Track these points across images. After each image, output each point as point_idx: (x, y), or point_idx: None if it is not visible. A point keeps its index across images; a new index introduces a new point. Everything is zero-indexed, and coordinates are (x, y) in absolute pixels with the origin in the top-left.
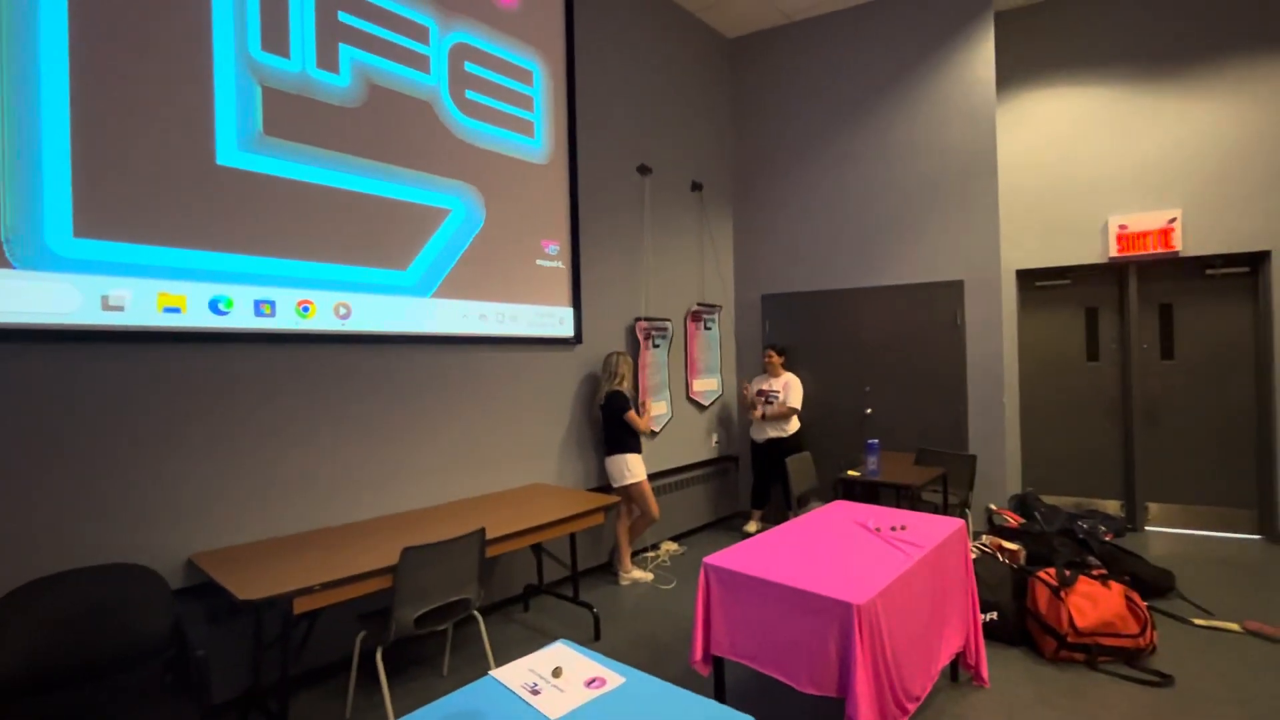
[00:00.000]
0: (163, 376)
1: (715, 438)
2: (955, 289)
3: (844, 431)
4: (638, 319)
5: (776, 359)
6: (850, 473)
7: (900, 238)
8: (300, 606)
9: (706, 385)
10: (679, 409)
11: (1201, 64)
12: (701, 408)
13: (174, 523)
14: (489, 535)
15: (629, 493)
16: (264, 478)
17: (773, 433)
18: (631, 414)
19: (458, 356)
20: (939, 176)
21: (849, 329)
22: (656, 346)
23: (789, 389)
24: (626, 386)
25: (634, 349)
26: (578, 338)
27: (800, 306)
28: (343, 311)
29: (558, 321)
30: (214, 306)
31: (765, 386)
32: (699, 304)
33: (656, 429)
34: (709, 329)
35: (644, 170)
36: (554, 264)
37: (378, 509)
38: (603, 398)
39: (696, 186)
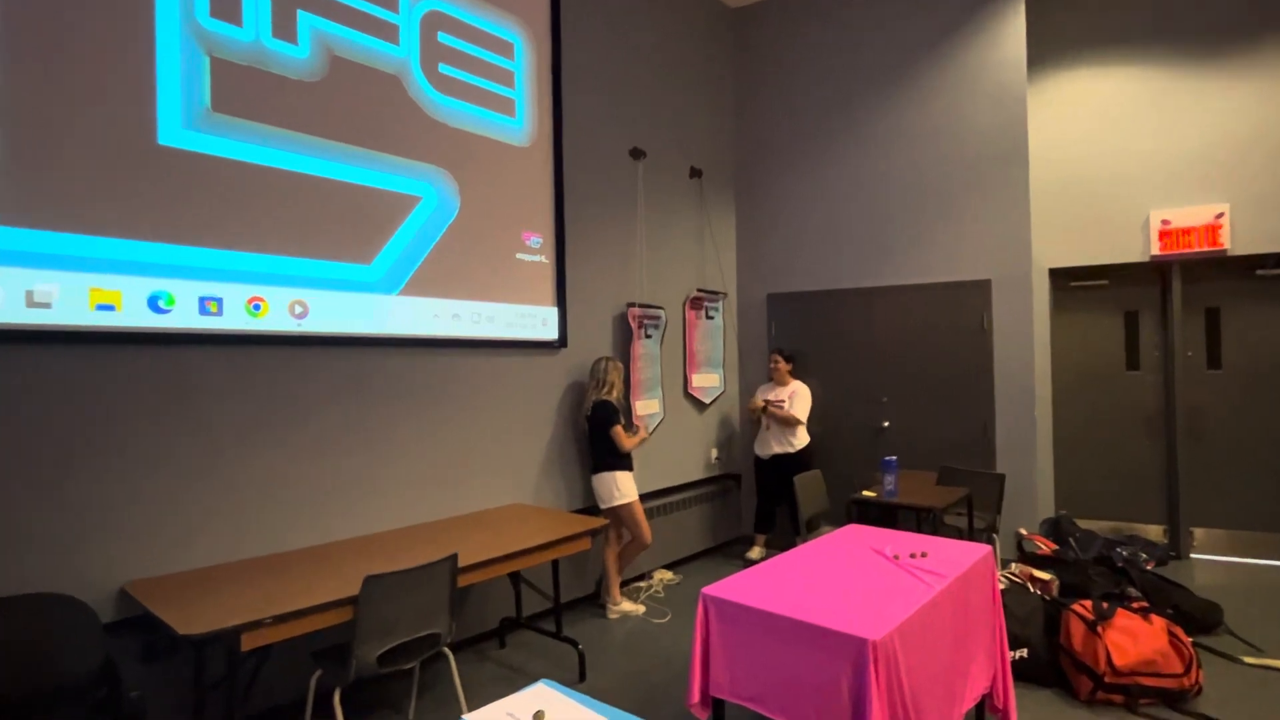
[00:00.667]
0: (94, 383)
1: (715, 454)
2: (982, 289)
3: (858, 447)
4: (630, 304)
5: (783, 365)
6: (865, 493)
7: (921, 232)
8: (249, 643)
9: (707, 380)
10: (675, 407)
11: (1252, 43)
12: (701, 406)
13: (106, 548)
14: (462, 562)
15: (618, 515)
16: (209, 497)
17: (779, 448)
18: (619, 430)
19: (428, 361)
20: (964, 165)
21: (863, 333)
22: (649, 337)
23: (796, 398)
24: (616, 396)
25: (626, 338)
26: (562, 341)
27: (810, 307)
28: (299, 310)
29: (540, 323)
30: (153, 304)
31: (771, 396)
32: (700, 290)
33: (649, 432)
34: (711, 318)
35: (637, 154)
36: (536, 258)
37: (337, 532)
38: (589, 408)
39: (696, 173)
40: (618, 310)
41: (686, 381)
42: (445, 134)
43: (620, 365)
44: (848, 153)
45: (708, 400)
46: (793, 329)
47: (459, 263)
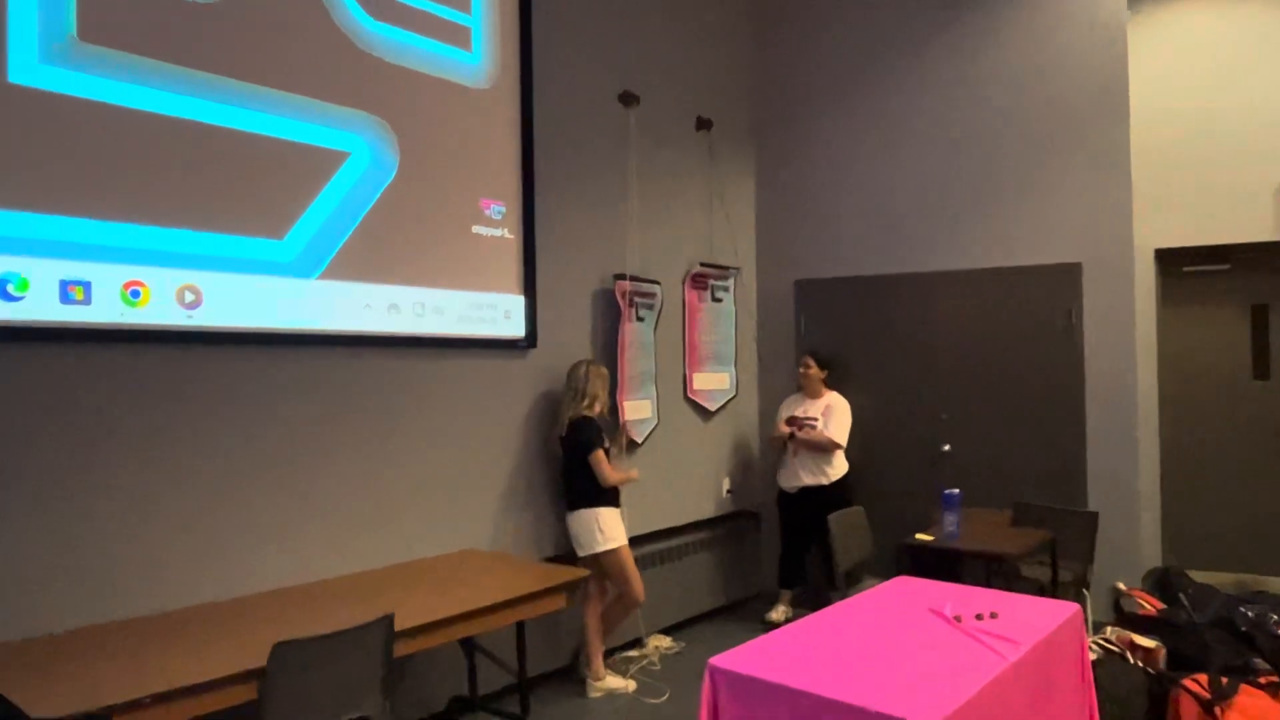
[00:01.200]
0: None
1: (727, 485)
2: (1068, 275)
3: (910, 477)
4: (619, 277)
5: (817, 372)
6: (920, 536)
7: (990, 204)
8: None
9: (713, 381)
10: (673, 414)
11: None
12: (705, 413)
13: None
14: (400, 624)
15: (601, 564)
16: (75, 541)
17: (809, 479)
18: (600, 457)
19: (357, 366)
20: (1048, 119)
21: (918, 331)
22: (641, 320)
23: (832, 414)
24: (600, 411)
25: (611, 321)
26: (530, 339)
27: (849, 298)
28: (189, 298)
29: (502, 315)
30: (1, 288)
31: (800, 412)
32: (704, 264)
33: (640, 440)
34: (719, 300)
35: (628, 100)
36: (498, 233)
37: (240, 586)
38: (565, 427)
39: (704, 124)
40: (602, 283)
41: (687, 382)
42: (380, 72)
43: (605, 372)
44: (899, 103)
45: (713, 406)
46: (827, 325)
47: (397, 238)
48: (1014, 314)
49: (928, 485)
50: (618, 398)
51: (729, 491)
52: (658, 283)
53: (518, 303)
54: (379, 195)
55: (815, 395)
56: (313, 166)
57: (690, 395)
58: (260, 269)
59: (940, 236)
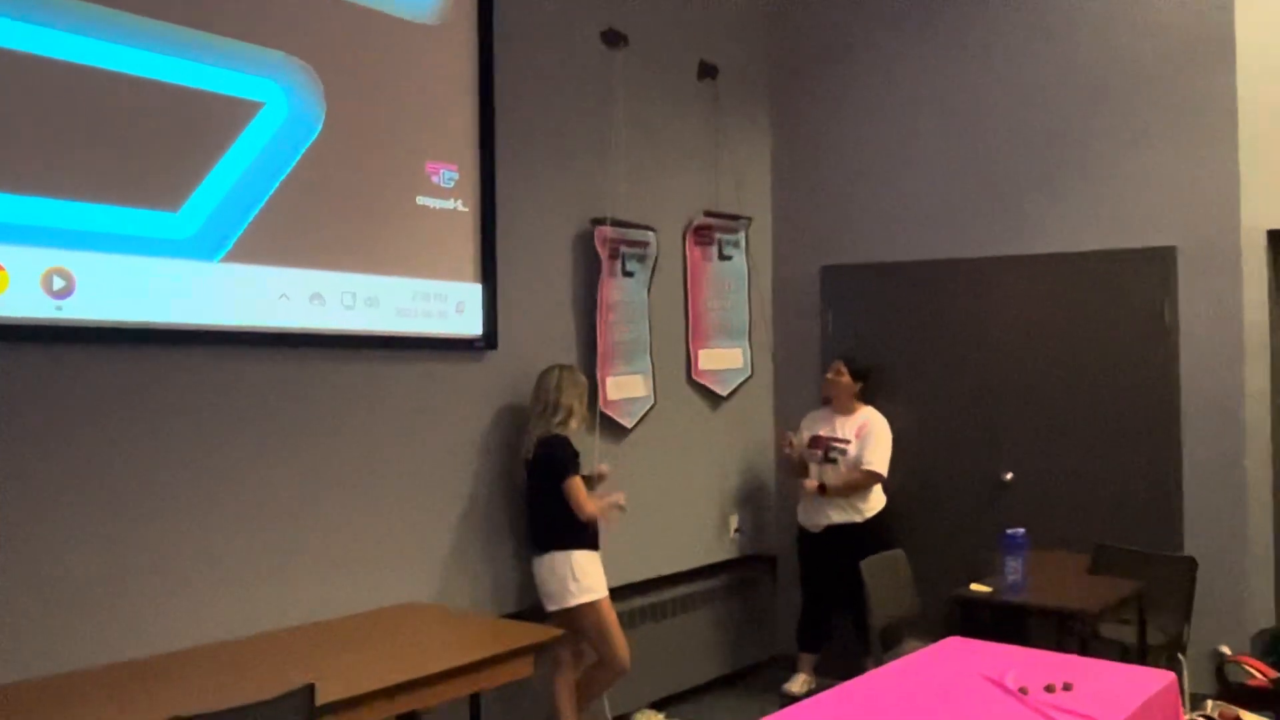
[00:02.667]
0: None
1: (735, 524)
2: (1160, 262)
3: (963, 513)
4: (597, 222)
5: (848, 382)
6: (975, 587)
7: (1063, 176)
8: None
9: (724, 361)
10: (673, 400)
11: None
12: (714, 399)
13: None
14: (325, 696)
15: (577, 621)
16: None
17: (838, 515)
18: (576, 485)
19: (267, 371)
20: (1134, 73)
21: (972, 332)
22: (628, 274)
23: (868, 437)
24: (576, 427)
25: (588, 275)
26: (489, 338)
27: (887, 289)
28: (58, 284)
29: (453, 308)
30: None
31: (826, 433)
32: (708, 213)
33: (629, 425)
34: (728, 258)
35: (614, 39)
36: (449, 204)
37: (127, 647)
38: (531, 448)
39: (708, 71)
40: (578, 227)
41: (691, 361)
42: (303, 2)
43: (583, 380)
44: (951, 55)
45: (724, 391)
46: (861, 323)
47: (322, 211)
48: (1091, 310)
49: (985, 523)
50: (597, 374)
51: (737, 531)
52: (651, 229)
53: (473, 292)
54: (299, 157)
55: (846, 411)
56: (215, 120)
57: (695, 377)
58: (148, 249)
59: (1000, 215)
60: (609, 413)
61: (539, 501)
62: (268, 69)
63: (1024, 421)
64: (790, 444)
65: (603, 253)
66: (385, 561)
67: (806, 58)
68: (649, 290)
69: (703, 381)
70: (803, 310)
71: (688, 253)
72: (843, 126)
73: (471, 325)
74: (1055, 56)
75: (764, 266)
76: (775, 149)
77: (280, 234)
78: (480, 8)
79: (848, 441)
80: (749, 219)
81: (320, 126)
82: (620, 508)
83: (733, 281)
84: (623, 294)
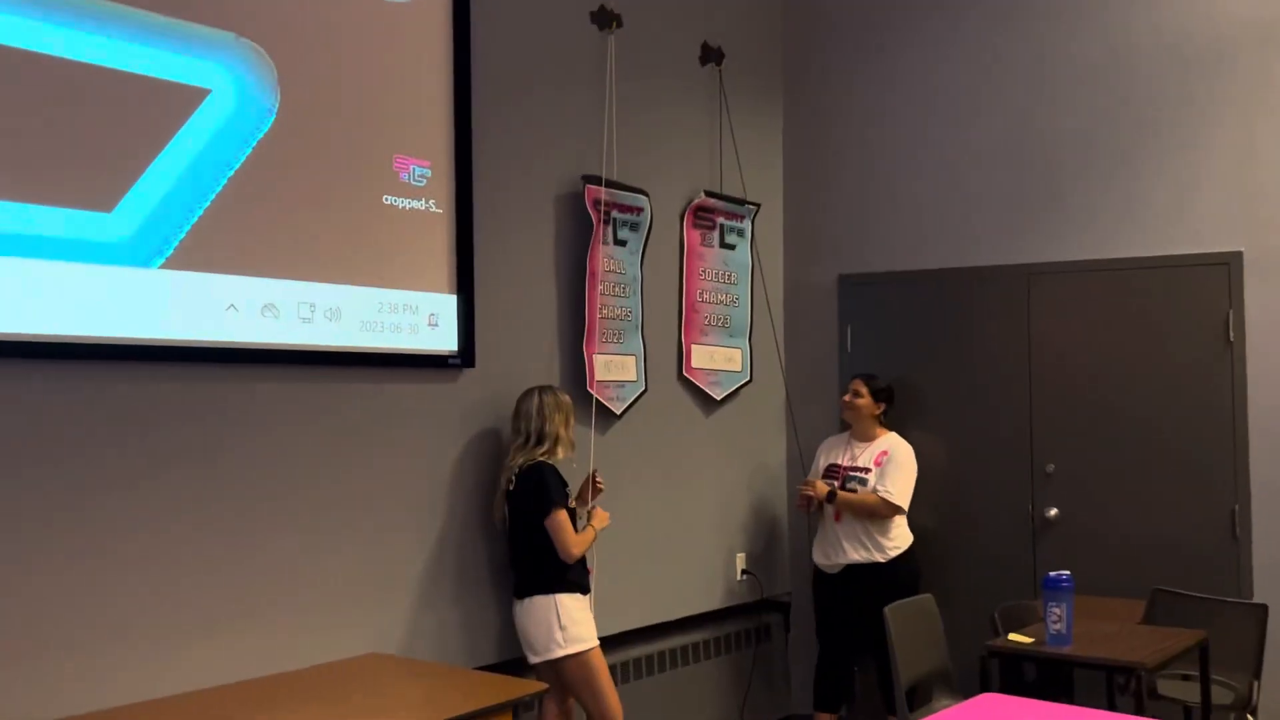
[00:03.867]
0: None
1: (742, 566)
2: (1223, 270)
3: (1001, 553)
4: (590, 180)
5: (869, 404)
6: (1015, 638)
7: (1111, 173)
8: None
9: (719, 360)
10: (662, 396)
11: None
12: (707, 403)
13: None
14: None
15: (563, 674)
16: None
17: (857, 554)
18: (561, 520)
19: (214, 392)
20: (1189, 58)
21: (1009, 348)
22: (620, 243)
23: (890, 464)
24: (563, 456)
25: (578, 238)
26: (466, 354)
27: (912, 300)
28: None
29: (425, 321)
30: None
31: (845, 461)
32: (708, 193)
33: (618, 412)
34: (730, 246)
35: (605, 19)
36: (420, 204)
37: (42, 706)
38: (512, 478)
39: (711, 55)
40: (568, 186)
41: (682, 357)
42: None
43: (567, 402)
44: (991, 37)
45: (718, 394)
46: (884, 338)
47: (275, 212)
48: (1145, 324)
49: (1024, 565)
50: (585, 349)
51: (745, 573)
52: (645, 193)
53: (448, 304)
54: (250, 150)
55: (866, 437)
56: (154, 109)
57: (686, 374)
58: (76, 253)
59: (1042, 217)
60: (595, 394)
61: (521, 538)
62: (214, 51)
63: (1069, 449)
64: (812, 492)
65: (594, 215)
66: (345, 607)
67: (824, 40)
68: (642, 262)
69: (694, 380)
70: (818, 324)
71: (685, 235)
72: (865, 118)
73: (445, 340)
74: (1104, 40)
75: (774, 274)
76: (787, 143)
77: (228, 237)
78: None
79: (867, 470)
80: (756, 205)
81: (274, 116)
82: (597, 486)
83: (735, 273)
84: (614, 263)
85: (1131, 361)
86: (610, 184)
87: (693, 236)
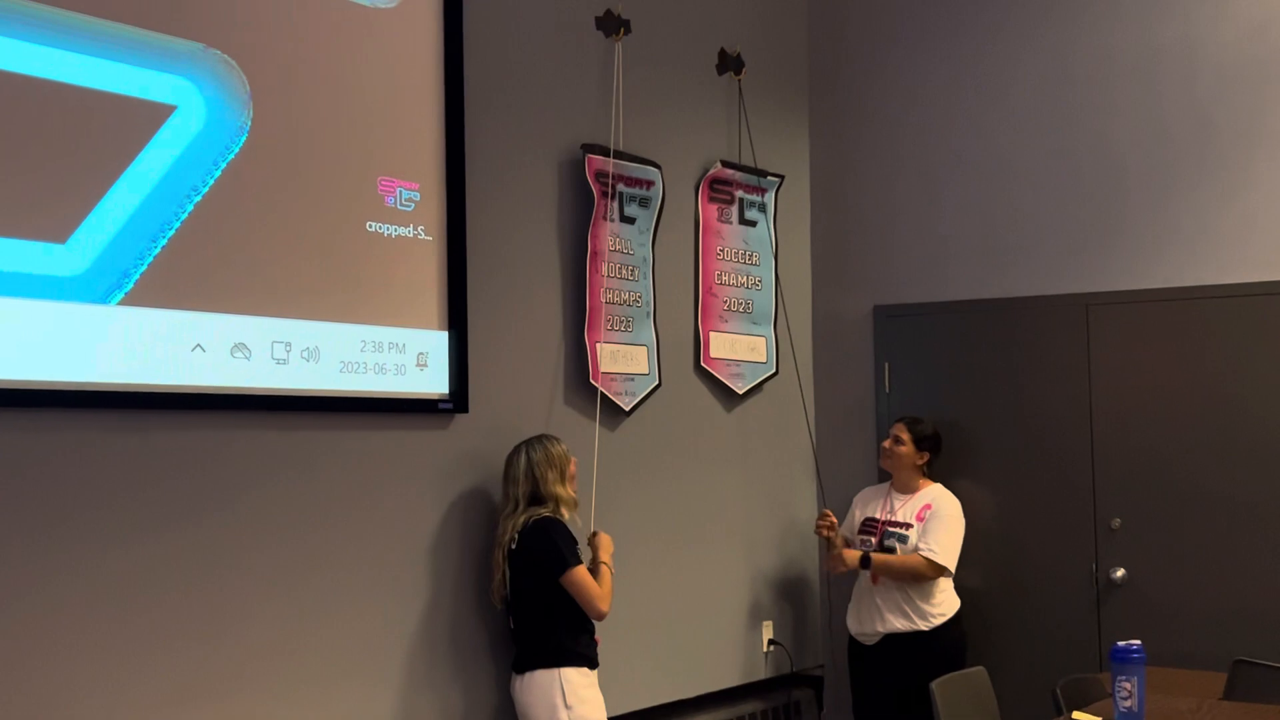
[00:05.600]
0: None
1: (769, 633)
2: None
3: (1061, 620)
4: (590, 149)
5: (911, 452)
6: (1079, 716)
7: (1174, 192)
8: None
9: (741, 349)
10: (680, 392)
11: None
12: (731, 397)
13: None
14: None
15: None
16: None
17: (898, 621)
18: (582, 575)
19: (177, 442)
20: (1259, 68)
21: (1069, 388)
22: (628, 220)
23: (935, 520)
24: (567, 516)
25: (580, 211)
26: (458, 397)
27: (958, 333)
28: None
29: (413, 361)
30: None
31: (883, 515)
32: (725, 163)
33: (627, 408)
34: (751, 224)
35: (612, 25)
36: (408, 230)
37: None
38: (515, 536)
39: (729, 64)
40: (567, 153)
41: (700, 347)
42: None
43: (562, 452)
44: (1036, 43)
45: (740, 387)
46: (927, 378)
47: (247, 241)
48: (1224, 360)
49: (1089, 633)
50: (587, 337)
51: (772, 644)
52: (657, 166)
53: (438, 341)
54: (219, 174)
55: (908, 488)
56: (113, 128)
57: (705, 364)
58: (25, 288)
59: (1097, 241)
60: (600, 387)
61: (524, 604)
62: (180, 64)
63: (1137, 501)
64: (829, 525)
65: (596, 189)
66: (328, 682)
67: (854, 48)
68: (653, 243)
69: (713, 371)
70: (851, 361)
71: (700, 209)
72: (902, 132)
73: (436, 382)
74: (1166, 52)
75: (801, 305)
76: (814, 158)
77: (194, 270)
78: None
79: (909, 526)
80: (780, 176)
81: (245, 135)
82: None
83: (757, 252)
84: (620, 242)
85: (1205, 401)
86: (617, 155)
87: (709, 211)
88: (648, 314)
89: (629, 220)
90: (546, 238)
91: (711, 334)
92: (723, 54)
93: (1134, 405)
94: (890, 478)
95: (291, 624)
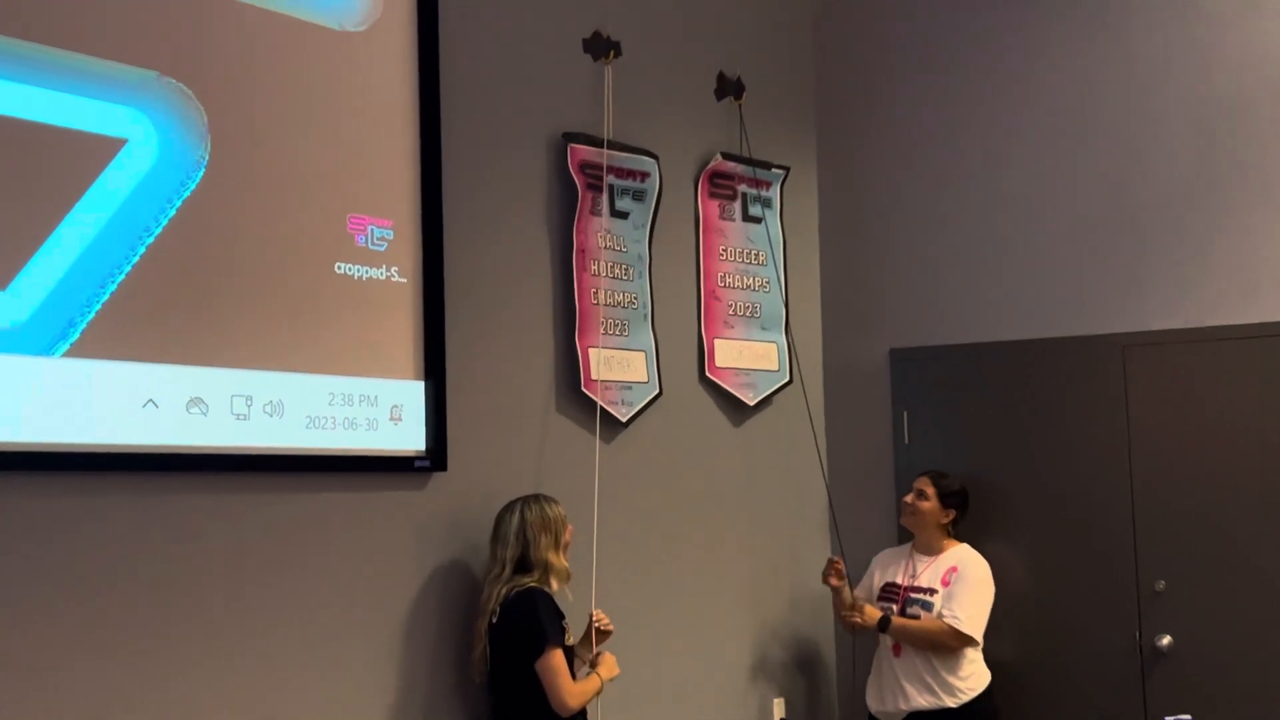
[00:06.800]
0: None
1: (780, 711)
2: None
3: (1100, 691)
4: (571, 138)
5: (935, 510)
6: None
7: (1215, 225)
8: None
9: (749, 357)
10: (681, 406)
11: None
12: (740, 409)
13: None
14: None
15: None
16: None
17: (922, 697)
18: (556, 660)
19: (129, 506)
20: None
21: (1108, 438)
22: (619, 216)
23: (962, 584)
24: (556, 586)
25: (565, 201)
26: (437, 454)
27: (984, 379)
28: None
29: (386, 414)
30: None
31: (905, 579)
32: (726, 155)
33: (624, 419)
34: (754, 219)
35: (602, 47)
36: (380, 273)
37: None
38: (496, 610)
39: (729, 88)
40: (548, 134)
41: (705, 356)
42: (180, 5)
43: (557, 515)
44: (1066, 67)
45: (752, 398)
46: (950, 428)
47: (204, 287)
48: (1275, 406)
49: (1134, 706)
50: (577, 341)
51: None
52: (654, 156)
53: (414, 393)
54: (174, 212)
55: (932, 549)
56: (58, 164)
57: (711, 375)
58: None
59: (1134, 277)
60: (594, 396)
61: (504, 686)
62: (131, 94)
63: (1183, 561)
64: (838, 573)
65: (580, 182)
66: None
67: (866, 74)
68: (650, 240)
69: (719, 381)
70: (867, 410)
71: (701, 206)
72: (918, 161)
73: (411, 438)
74: (1207, 75)
75: (812, 349)
76: (823, 189)
77: (146, 318)
78: (421, 7)
79: (933, 591)
80: (785, 168)
81: (203, 170)
82: (603, 630)
83: (763, 251)
84: (612, 239)
85: (1258, 451)
86: (616, 145)
87: (709, 208)
88: (645, 316)
89: (621, 215)
90: (537, 277)
91: (717, 341)
92: (721, 78)
93: (1178, 455)
94: (912, 538)
95: (252, 706)
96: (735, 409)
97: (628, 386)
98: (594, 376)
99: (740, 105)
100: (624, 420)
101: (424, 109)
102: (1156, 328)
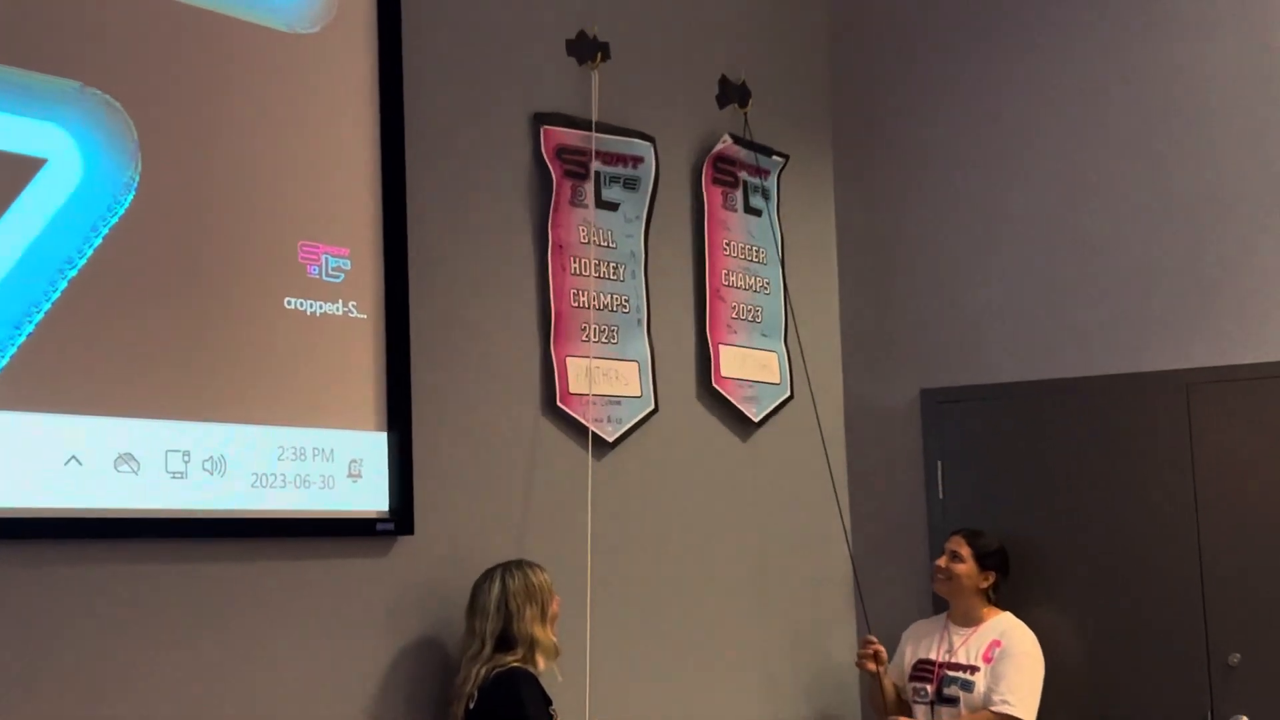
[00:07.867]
0: None
1: None
2: None
3: None
4: (544, 119)
5: (973, 573)
6: None
7: None
8: None
9: (752, 367)
10: (681, 419)
11: None
12: (745, 424)
13: None
14: None
15: None
16: None
17: None
18: None
19: (50, 578)
20: None
21: (1165, 485)
22: (607, 207)
23: (1007, 661)
24: (543, 665)
25: (540, 189)
26: (401, 515)
27: (1026, 422)
28: None
29: (344, 471)
30: None
31: (940, 655)
32: (733, 136)
33: (610, 438)
34: (755, 211)
35: (587, 50)
36: (335, 308)
37: None
38: (474, 694)
39: (732, 94)
40: (530, 130)
41: (712, 365)
42: (109, 7)
43: (542, 584)
44: (1113, 75)
45: (756, 414)
46: (987, 478)
47: (136, 326)
48: None
49: None
50: (552, 351)
51: None
52: (650, 140)
53: (375, 445)
54: (100, 240)
55: (970, 620)
56: None
57: (717, 385)
58: None
59: (1197, 308)
60: (571, 412)
61: None
62: (50, 107)
63: (1261, 631)
64: (872, 653)
65: (554, 169)
66: None
67: (886, 77)
68: (645, 234)
69: (721, 390)
70: (895, 460)
71: (705, 194)
72: (949, 178)
73: (372, 497)
74: (1272, 86)
75: (831, 391)
76: (841, 214)
77: (69, 364)
78: (382, 6)
79: (974, 669)
80: (785, 156)
81: (133, 193)
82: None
83: (763, 248)
84: (598, 233)
85: None
86: (604, 129)
87: (713, 196)
88: (639, 321)
89: (609, 206)
90: (524, 306)
91: (722, 347)
92: (724, 82)
93: (1252, 508)
94: (947, 606)
95: None
96: (740, 424)
97: (615, 401)
98: (572, 390)
99: (745, 113)
100: (610, 440)
101: (385, 120)
102: (1227, 362)
